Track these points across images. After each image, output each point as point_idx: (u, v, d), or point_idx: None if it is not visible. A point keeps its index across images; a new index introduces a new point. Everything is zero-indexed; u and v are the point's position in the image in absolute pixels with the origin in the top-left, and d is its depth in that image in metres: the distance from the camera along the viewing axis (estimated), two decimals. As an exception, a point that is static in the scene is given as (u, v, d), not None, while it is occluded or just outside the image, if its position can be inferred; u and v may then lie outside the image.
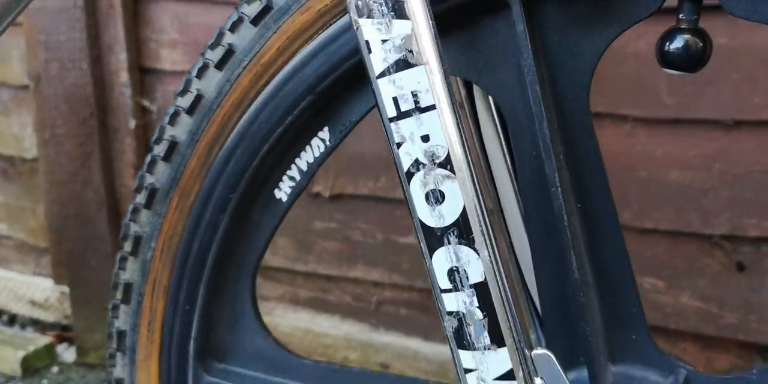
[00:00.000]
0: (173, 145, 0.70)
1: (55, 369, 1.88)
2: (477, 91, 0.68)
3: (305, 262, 1.70)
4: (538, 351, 0.55)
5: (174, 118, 0.70)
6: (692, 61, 0.56)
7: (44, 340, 1.92)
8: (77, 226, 1.84)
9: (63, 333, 2.00)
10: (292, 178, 0.70)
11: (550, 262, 0.61)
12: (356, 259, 1.65)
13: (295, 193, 0.71)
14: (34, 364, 1.86)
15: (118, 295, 0.77)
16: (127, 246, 0.75)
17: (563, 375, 0.55)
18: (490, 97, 0.69)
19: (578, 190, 0.60)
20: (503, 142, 0.68)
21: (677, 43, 0.56)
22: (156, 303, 0.75)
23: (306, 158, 0.69)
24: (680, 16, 0.56)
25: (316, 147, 0.69)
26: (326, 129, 0.68)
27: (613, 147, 1.39)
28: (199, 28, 1.65)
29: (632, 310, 0.61)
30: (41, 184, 1.91)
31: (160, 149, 0.71)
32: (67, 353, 1.94)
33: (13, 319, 2.09)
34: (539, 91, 0.58)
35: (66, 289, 1.94)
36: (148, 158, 0.72)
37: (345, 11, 0.62)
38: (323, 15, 0.63)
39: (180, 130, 0.70)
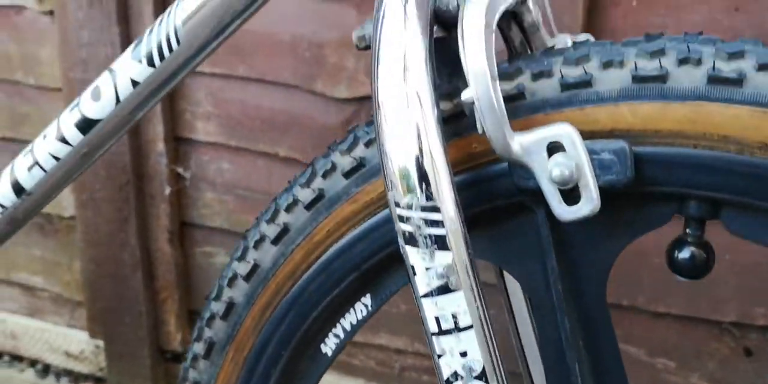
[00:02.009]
0: (231, 305, 0.78)
1: (89, 418, 1.96)
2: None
3: (331, 328, 1.77)
4: None
5: (232, 281, 0.78)
6: (697, 270, 0.64)
7: (79, 389, 2.01)
8: (112, 285, 1.91)
9: (96, 384, 2.08)
10: (336, 336, 0.77)
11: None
12: (380, 327, 1.72)
13: (339, 348, 0.78)
14: (69, 414, 1.94)
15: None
16: (187, 389, 0.83)
17: None
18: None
19: (596, 375, 0.67)
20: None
21: (684, 254, 0.64)
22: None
23: (350, 319, 0.76)
24: (687, 231, 0.64)
25: (359, 311, 0.76)
26: (368, 296, 0.75)
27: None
28: (233, 102, 1.72)
29: None
30: (78, 242, 1.98)
31: (217, 308, 0.79)
32: (101, 404, 2.02)
33: (47, 369, 2.17)
34: (561, 290, 0.65)
35: (100, 342, 2.01)
36: (207, 314, 0.80)
37: (387, 204, 0.70)
38: (368, 206, 0.71)
39: (237, 293, 0.78)
